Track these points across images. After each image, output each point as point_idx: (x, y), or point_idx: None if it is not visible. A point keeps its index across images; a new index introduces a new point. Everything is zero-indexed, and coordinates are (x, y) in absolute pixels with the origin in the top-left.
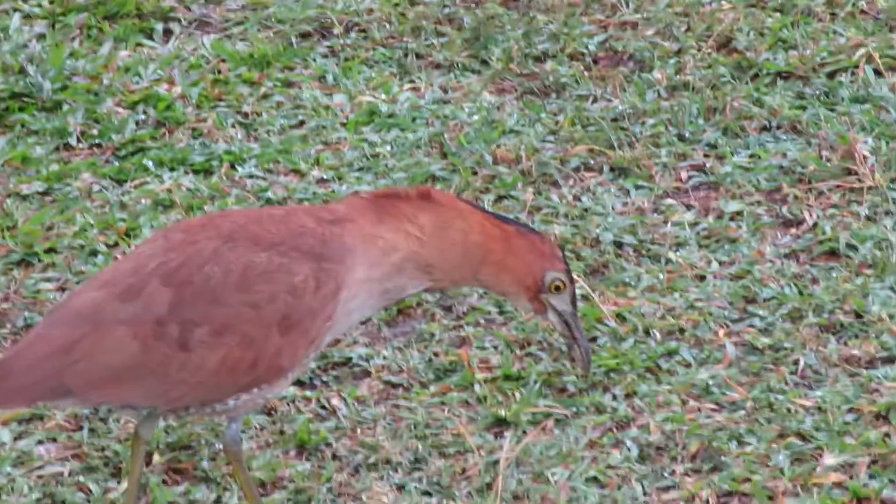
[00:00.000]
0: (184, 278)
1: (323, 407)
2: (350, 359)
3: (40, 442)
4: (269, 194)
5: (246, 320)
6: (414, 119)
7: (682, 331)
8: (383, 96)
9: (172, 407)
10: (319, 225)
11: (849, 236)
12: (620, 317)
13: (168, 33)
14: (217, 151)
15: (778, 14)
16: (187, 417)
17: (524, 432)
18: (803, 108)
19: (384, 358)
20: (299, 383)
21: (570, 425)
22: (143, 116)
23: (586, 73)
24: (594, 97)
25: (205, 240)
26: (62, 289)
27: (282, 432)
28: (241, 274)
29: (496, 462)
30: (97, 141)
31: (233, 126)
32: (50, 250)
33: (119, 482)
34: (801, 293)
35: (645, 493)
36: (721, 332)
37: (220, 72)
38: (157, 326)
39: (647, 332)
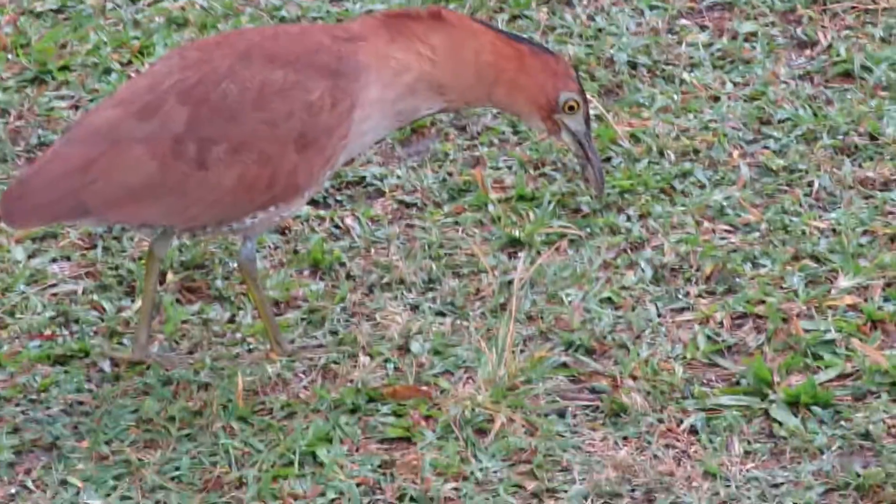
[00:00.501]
0: (200, 96)
1: (336, 226)
2: (364, 178)
3: (54, 260)
4: (283, 13)
5: (262, 137)
6: None
7: (696, 152)
8: None
9: (189, 226)
10: (335, 42)
11: (863, 58)
12: (634, 137)
13: None
14: None
15: None
16: (203, 236)
17: (538, 253)
18: None
19: (398, 177)
20: (313, 203)
21: (583, 246)
22: None
23: None
24: None
25: (220, 57)
26: (76, 107)
27: (296, 251)
28: (258, 91)
29: (510, 282)
30: None
31: None
32: (63, 68)
33: (133, 301)
34: (815, 115)
35: (659, 315)
36: (735, 154)
37: None
38: (175, 144)
39: (661, 153)
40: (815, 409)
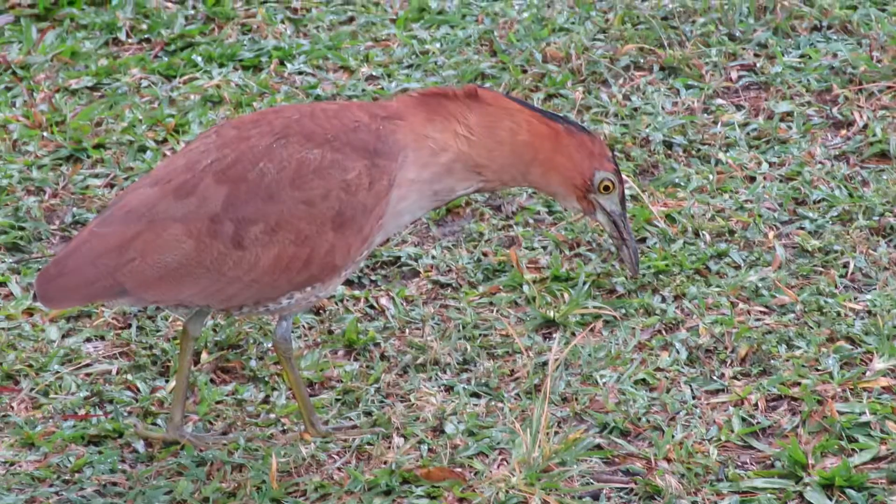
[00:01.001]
0: (238, 175)
1: (371, 306)
2: (399, 258)
3: (88, 340)
4: (319, 91)
5: (300, 217)
6: (464, 16)
7: (731, 232)
8: None
9: (226, 306)
10: (373, 120)
11: None
12: (670, 218)
13: None
14: (266, 47)
15: None
16: (238, 316)
17: (573, 334)
18: (854, 7)
19: (433, 257)
20: (348, 283)
21: (618, 327)
22: (192, 11)
23: None
24: None
25: (258, 136)
26: (111, 185)
27: (330, 332)
28: (295, 170)
29: (545, 363)
30: (146, 36)
31: (282, 22)
32: (98, 146)
33: (167, 381)
34: (851, 195)
35: (694, 396)
36: (771, 234)
37: None
38: (212, 224)
39: (696, 234)
40: (850, 491)
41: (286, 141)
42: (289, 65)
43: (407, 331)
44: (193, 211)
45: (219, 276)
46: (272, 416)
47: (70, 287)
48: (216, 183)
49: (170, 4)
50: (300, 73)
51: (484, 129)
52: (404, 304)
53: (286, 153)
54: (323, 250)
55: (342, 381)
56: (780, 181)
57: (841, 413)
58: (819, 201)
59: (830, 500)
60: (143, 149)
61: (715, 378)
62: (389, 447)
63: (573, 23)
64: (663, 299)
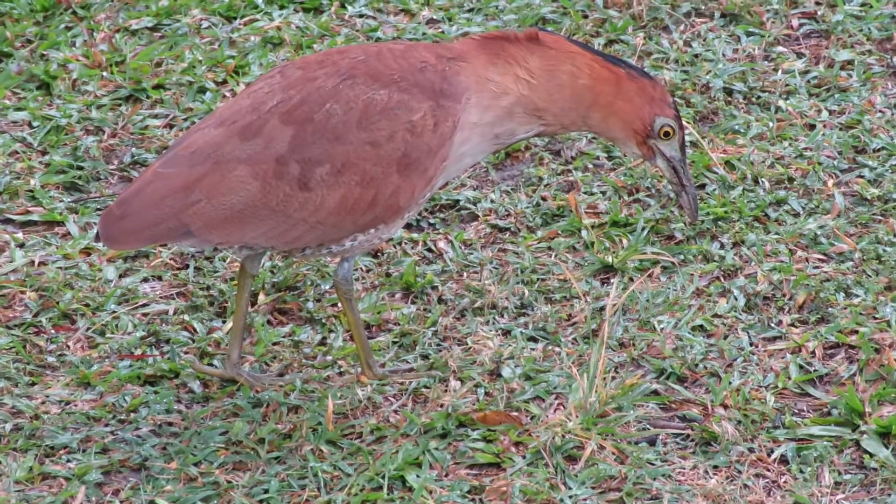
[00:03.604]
0: (304, 116)
1: (429, 250)
2: (457, 202)
3: (145, 280)
4: (379, 34)
5: (366, 158)
6: None
7: (790, 180)
8: None
9: (290, 248)
10: (439, 61)
11: None
12: (729, 164)
13: None
14: None
15: None
16: (300, 257)
17: (631, 279)
18: None
19: (491, 201)
20: (406, 226)
21: (676, 273)
22: None
23: None
24: None
25: (324, 76)
26: (170, 125)
27: (388, 274)
28: (362, 111)
29: (602, 308)
30: None
31: None
32: (158, 86)
33: (223, 322)
34: None
35: (751, 343)
36: (830, 182)
37: None
38: (278, 165)
39: (755, 181)
40: None
41: (352, 81)
42: (349, 7)
43: (465, 274)
44: (259, 152)
45: (284, 217)
46: (329, 358)
47: (134, 228)
48: (282, 124)
49: None
50: (361, 15)
51: (545, 72)
52: (462, 247)
53: (353, 94)
54: (388, 191)
55: (399, 324)
56: (840, 129)
57: None
58: (879, 150)
59: (887, 448)
60: (202, 90)
61: (772, 325)
62: (446, 390)
63: None
64: (722, 246)
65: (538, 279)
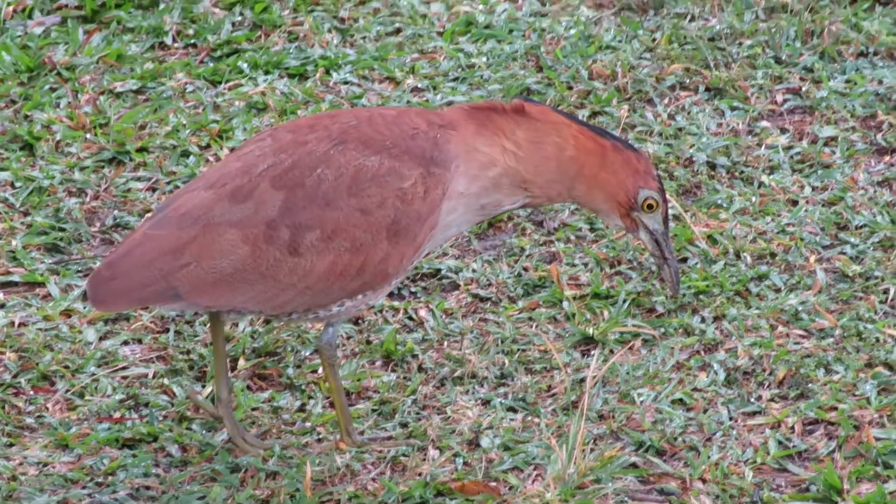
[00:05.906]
0: (295, 181)
1: (410, 318)
2: (439, 270)
3: (125, 342)
4: (364, 101)
5: (356, 225)
6: (511, 31)
7: (772, 255)
8: (481, 6)
9: (278, 312)
10: (431, 128)
11: None
12: (711, 238)
13: None
14: (312, 56)
15: None
16: (286, 322)
17: (611, 351)
18: None
19: (473, 271)
20: (388, 293)
21: (657, 346)
22: (239, 18)
23: None
24: (692, 15)
25: (315, 141)
26: (153, 188)
27: (369, 342)
28: (353, 177)
29: (582, 380)
30: (192, 41)
31: (329, 31)
32: (141, 149)
33: (203, 386)
34: (893, 222)
35: (731, 418)
36: (812, 258)
37: None
38: (268, 229)
39: (737, 255)
40: None
41: (343, 147)
42: (334, 74)
43: (445, 343)
44: (250, 216)
45: (274, 282)
46: (308, 424)
47: (123, 290)
48: (273, 188)
49: (217, 10)
50: (345, 82)
51: (531, 144)
52: (443, 316)
53: (344, 159)
54: (377, 258)
55: (379, 392)
56: (823, 206)
57: (877, 439)
58: (861, 227)
59: None
60: (186, 154)
61: (752, 400)
62: (424, 459)
63: (620, 41)
64: (703, 320)
65: (519, 349)
